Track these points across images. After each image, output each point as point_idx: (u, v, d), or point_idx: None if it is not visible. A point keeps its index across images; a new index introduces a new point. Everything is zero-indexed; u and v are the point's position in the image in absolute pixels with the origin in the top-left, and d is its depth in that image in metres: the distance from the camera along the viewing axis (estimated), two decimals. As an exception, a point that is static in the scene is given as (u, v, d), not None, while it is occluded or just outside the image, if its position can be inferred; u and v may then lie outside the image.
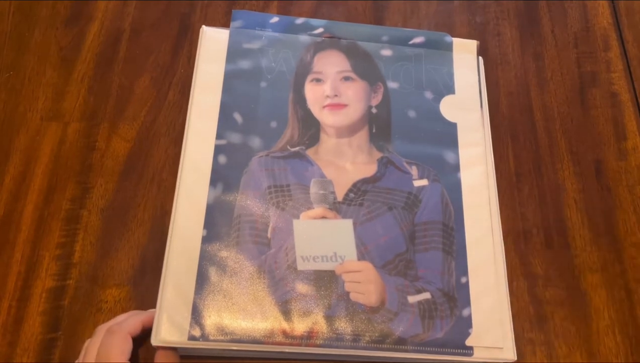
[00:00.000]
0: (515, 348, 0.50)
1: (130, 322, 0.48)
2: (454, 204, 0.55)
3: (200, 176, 0.53)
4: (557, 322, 0.54)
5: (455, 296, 0.51)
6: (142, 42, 0.65)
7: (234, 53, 0.59)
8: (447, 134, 0.58)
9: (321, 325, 0.48)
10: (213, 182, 0.53)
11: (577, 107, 0.64)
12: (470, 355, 0.49)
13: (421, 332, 0.49)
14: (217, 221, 0.52)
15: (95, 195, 0.57)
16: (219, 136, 0.55)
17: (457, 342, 0.49)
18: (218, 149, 0.54)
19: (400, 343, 0.49)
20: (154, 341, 0.47)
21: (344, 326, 0.49)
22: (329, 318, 0.49)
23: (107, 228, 0.56)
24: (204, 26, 0.61)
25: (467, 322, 0.50)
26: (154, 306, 0.48)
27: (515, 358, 0.50)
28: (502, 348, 0.49)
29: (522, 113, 0.64)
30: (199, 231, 0.51)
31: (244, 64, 0.59)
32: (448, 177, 0.56)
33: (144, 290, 0.53)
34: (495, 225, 0.54)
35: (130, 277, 0.54)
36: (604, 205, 0.59)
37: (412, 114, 0.58)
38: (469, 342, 0.49)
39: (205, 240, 0.51)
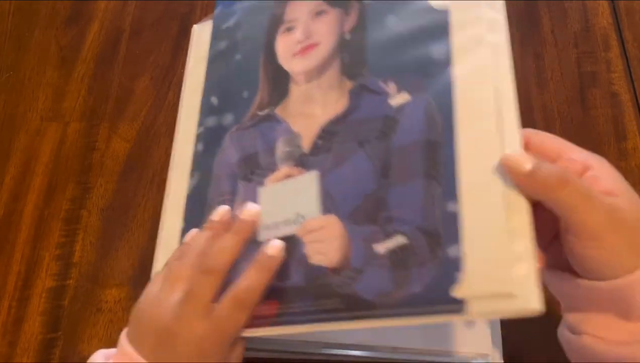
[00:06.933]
0: (540, 293, 0.32)
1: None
2: (443, 111, 0.40)
3: (182, 170, 0.52)
4: (558, 321, 0.54)
5: (439, 232, 0.36)
6: (142, 42, 0.65)
7: (215, 39, 0.55)
8: (436, 25, 0.44)
9: (281, 299, 0.41)
10: (192, 172, 0.50)
11: (577, 107, 0.64)
12: (459, 310, 0.33)
13: (392, 289, 0.36)
14: (194, 211, 0.49)
15: (95, 195, 0.57)
16: (199, 125, 0.52)
17: (441, 295, 0.35)
18: (197, 139, 0.51)
19: (367, 308, 0.37)
20: None
21: (305, 296, 0.40)
22: (289, 290, 0.41)
23: (107, 228, 0.55)
24: (195, 25, 0.60)
25: (454, 265, 0.35)
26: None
27: (541, 307, 0.31)
28: (516, 296, 0.32)
29: (522, 113, 0.63)
30: (178, 224, 0.50)
31: (221, 45, 0.54)
32: (435, 78, 0.42)
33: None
34: (507, 120, 0.39)
35: (130, 277, 0.54)
36: (604, 205, 0.59)
37: (391, 20, 0.48)
38: (458, 293, 0.34)
39: (184, 231, 0.47)
